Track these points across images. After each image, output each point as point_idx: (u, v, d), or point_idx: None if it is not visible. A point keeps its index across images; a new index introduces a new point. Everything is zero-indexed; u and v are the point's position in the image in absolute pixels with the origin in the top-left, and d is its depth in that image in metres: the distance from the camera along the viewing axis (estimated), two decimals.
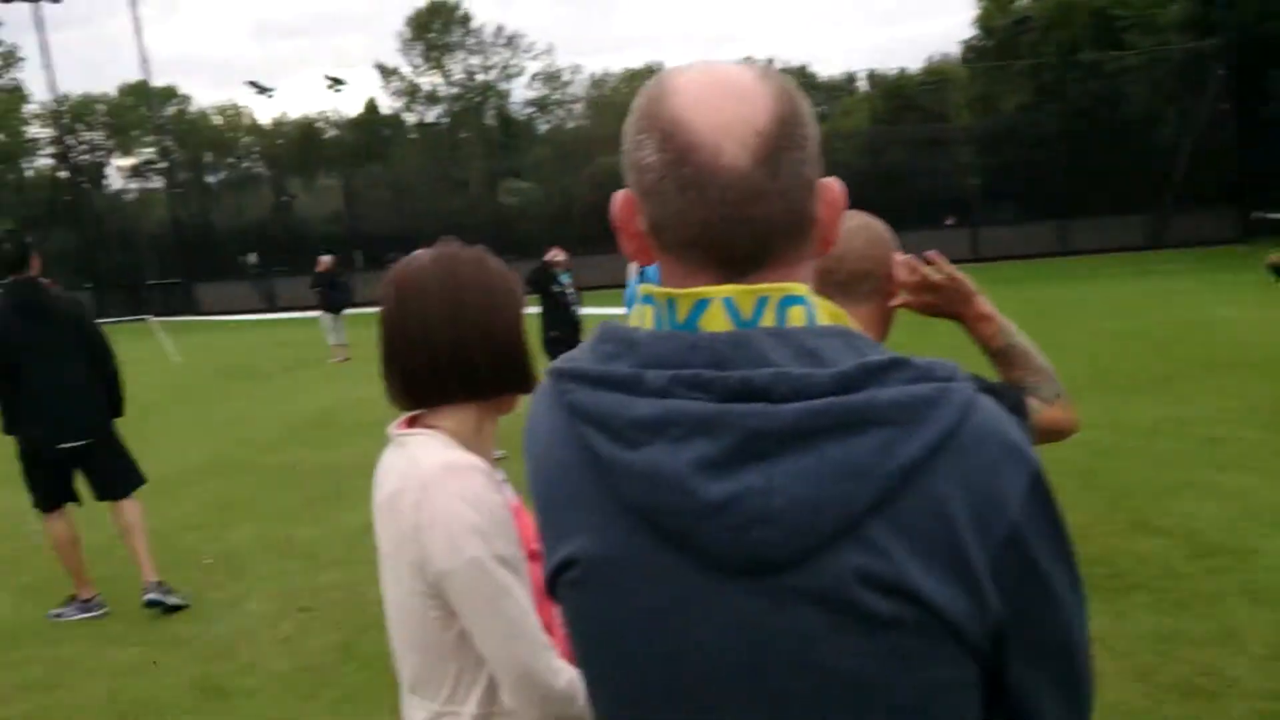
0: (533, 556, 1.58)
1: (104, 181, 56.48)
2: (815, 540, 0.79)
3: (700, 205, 0.84)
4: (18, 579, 5.93)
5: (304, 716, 4.02)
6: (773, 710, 0.83)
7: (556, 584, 0.96)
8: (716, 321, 0.86)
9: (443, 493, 1.50)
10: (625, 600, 0.88)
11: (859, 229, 1.66)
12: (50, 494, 5.25)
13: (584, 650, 0.97)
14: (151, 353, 19.38)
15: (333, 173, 49.52)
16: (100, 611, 5.32)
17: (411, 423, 1.66)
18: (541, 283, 9.74)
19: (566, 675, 1.50)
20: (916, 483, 0.78)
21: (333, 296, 17.12)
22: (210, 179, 55.50)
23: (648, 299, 0.92)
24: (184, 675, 4.48)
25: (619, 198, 0.92)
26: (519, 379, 1.64)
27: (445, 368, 1.59)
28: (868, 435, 0.78)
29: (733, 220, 0.85)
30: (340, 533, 6.36)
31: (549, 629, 1.56)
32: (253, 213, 42.73)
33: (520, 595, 1.50)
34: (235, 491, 7.82)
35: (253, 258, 36.77)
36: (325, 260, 17.61)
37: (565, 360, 0.95)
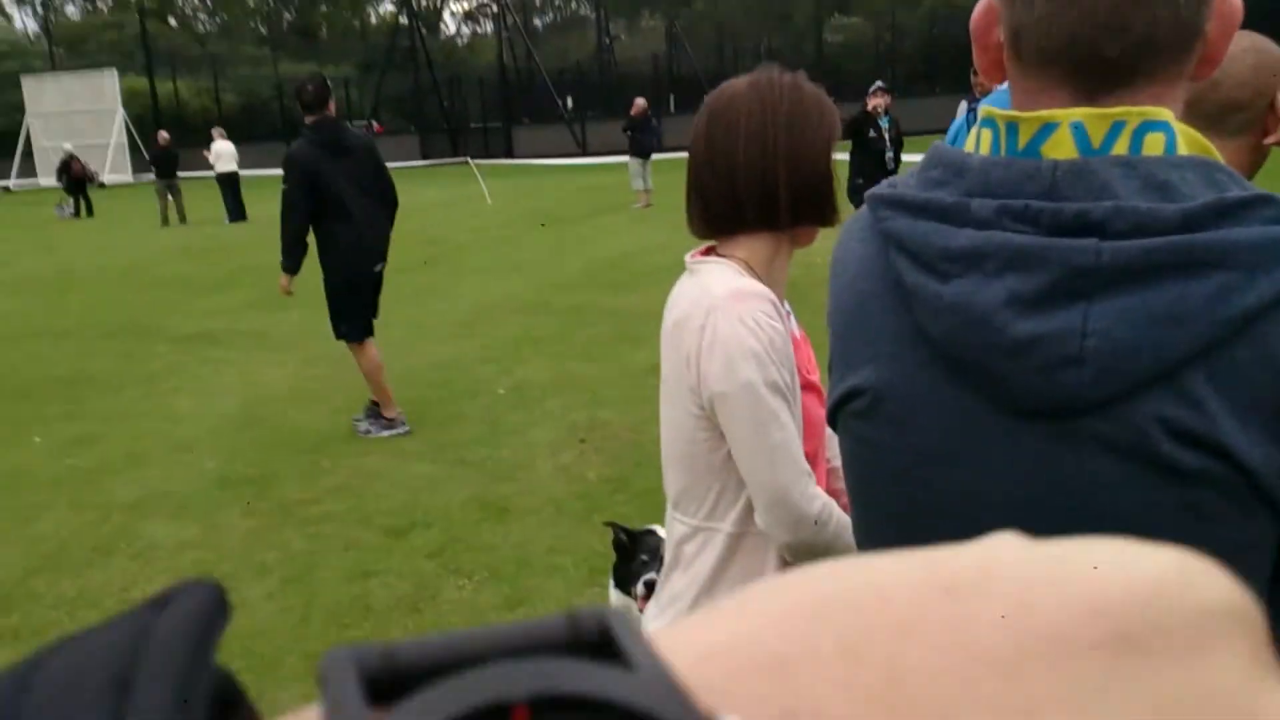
0: (807, 387, 1.63)
1: (440, 26, 59.68)
2: (1126, 387, 0.75)
3: (1071, 9, 0.76)
4: (329, 401, 6.51)
5: (575, 536, 4.24)
6: None
7: (840, 413, 0.96)
8: (1061, 148, 0.79)
9: (726, 317, 1.53)
10: (911, 433, 0.88)
11: (1246, 51, 1.41)
12: (364, 321, 5.69)
13: (861, 480, 0.96)
14: (468, 194, 20.45)
15: (656, 13, 49.68)
16: (404, 429, 5.78)
17: (708, 252, 1.68)
18: (859, 129, 9.35)
19: (820, 503, 1.54)
20: (1250, 333, 0.73)
21: (642, 140, 17.29)
22: (538, 22, 57.28)
23: (988, 122, 0.84)
24: (471, 491, 4.82)
25: (980, 5, 0.84)
26: (820, 210, 1.61)
27: (745, 194, 1.59)
28: (1206, 279, 0.73)
29: (1107, 29, 0.76)
30: (624, 372, 6.55)
31: (813, 460, 1.60)
32: (575, 56, 43.86)
33: (787, 422, 1.54)
34: (531, 329, 8.19)
35: (569, 102, 37.87)
36: (639, 103, 17.74)
37: (887, 185, 0.91)
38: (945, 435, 0.85)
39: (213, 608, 0.21)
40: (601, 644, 0.20)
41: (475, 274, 11.03)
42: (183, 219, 20.00)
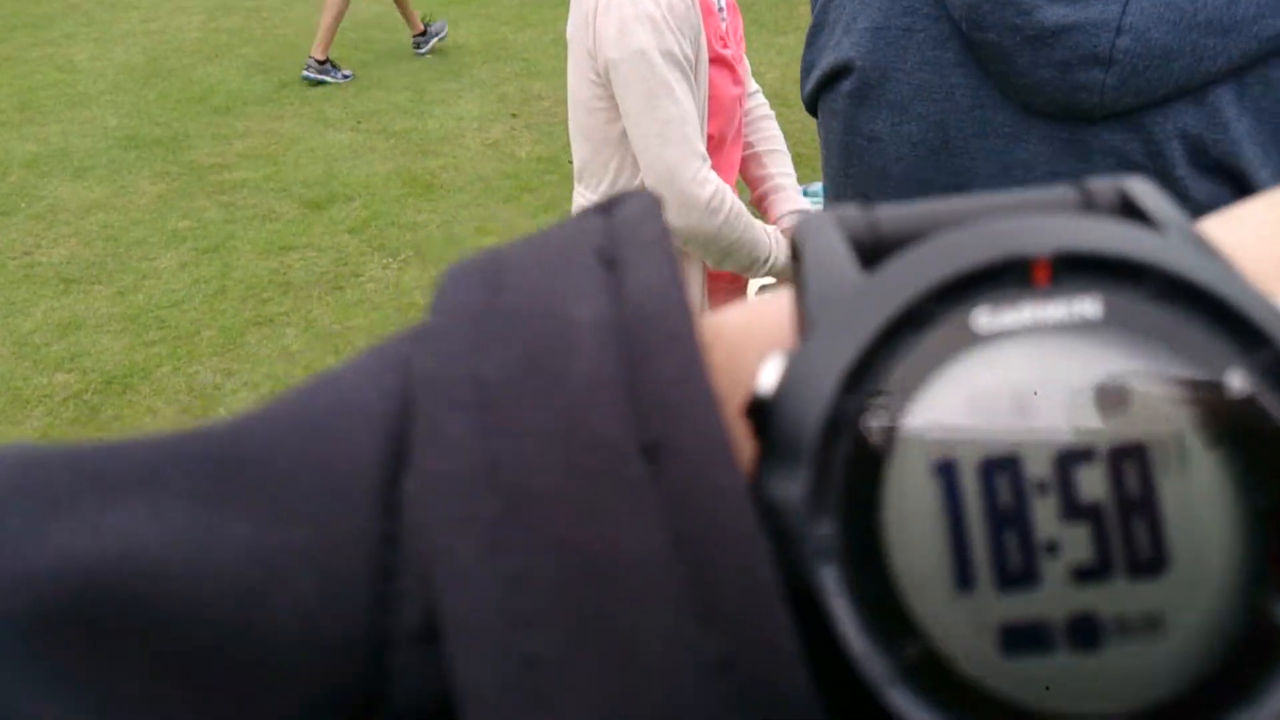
0: (717, 61, 1.53)
1: None
2: (1148, 98, 0.70)
3: None
4: (241, 55, 6.07)
5: (503, 217, 4.12)
6: None
7: (824, 95, 0.87)
8: None
9: None
10: (910, 121, 0.80)
11: None
12: None
13: (843, 171, 0.86)
14: None
15: None
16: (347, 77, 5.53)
17: None
18: None
19: (712, 187, 1.47)
20: None
21: None
22: None
23: None
24: (395, 165, 4.61)
25: None
26: None
27: None
28: None
29: None
30: (561, 40, 6.08)
31: (718, 142, 1.54)
32: None
33: (682, 97, 1.44)
34: None
35: None
36: None
37: None
38: (944, 125, 0.78)
39: (660, 207, 0.20)
40: (1122, 213, 0.18)
41: None
42: None
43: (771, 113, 1.89)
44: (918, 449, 0.16)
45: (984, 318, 0.16)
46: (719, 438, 0.16)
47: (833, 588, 0.16)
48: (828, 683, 0.15)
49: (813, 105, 0.89)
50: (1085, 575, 0.16)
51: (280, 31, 6.42)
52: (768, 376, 0.17)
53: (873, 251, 0.18)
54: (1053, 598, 0.16)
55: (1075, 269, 0.16)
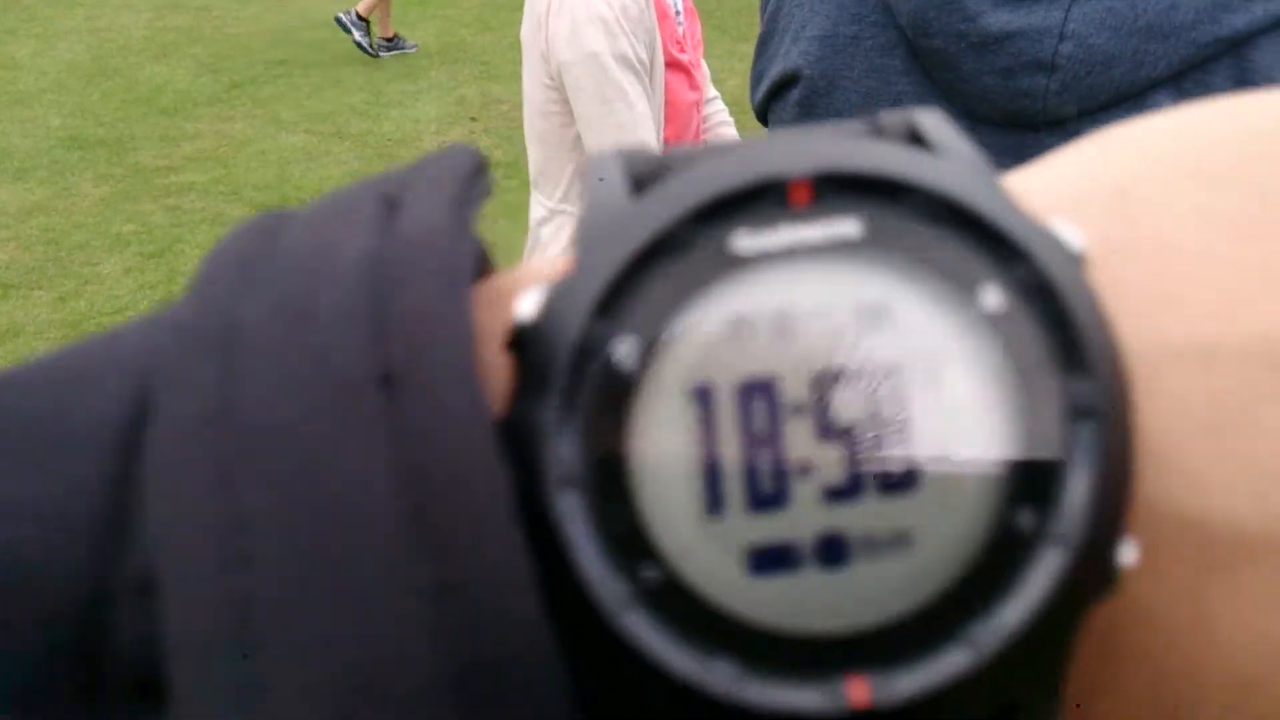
0: (673, 66, 1.53)
1: None
2: (1091, 102, 0.71)
3: None
4: (190, 55, 5.96)
5: None
6: None
7: (773, 105, 0.86)
8: None
9: None
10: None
11: None
12: None
13: None
14: None
15: None
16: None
17: None
18: None
19: None
20: (1232, 57, 0.69)
21: None
22: None
23: None
24: (350, 168, 4.53)
25: None
26: None
27: None
28: None
29: None
30: (518, 43, 6.10)
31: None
32: None
33: (636, 101, 1.44)
34: None
35: None
36: None
37: None
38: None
39: (475, 163, 0.20)
40: (909, 140, 0.18)
41: None
42: None
43: (730, 120, 1.87)
44: (672, 374, 0.16)
45: (742, 240, 0.16)
46: (460, 368, 0.16)
47: (569, 513, 0.16)
48: (569, 611, 0.15)
49: (763, 115, 0.89)
50: (836, 495, 0.16)
51: (230, 31, 6.30)
52: (526, 306, 0.17)
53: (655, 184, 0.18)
54: (802, 518, 0.16)
55: (838, 189, 0.16)
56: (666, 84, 1.50)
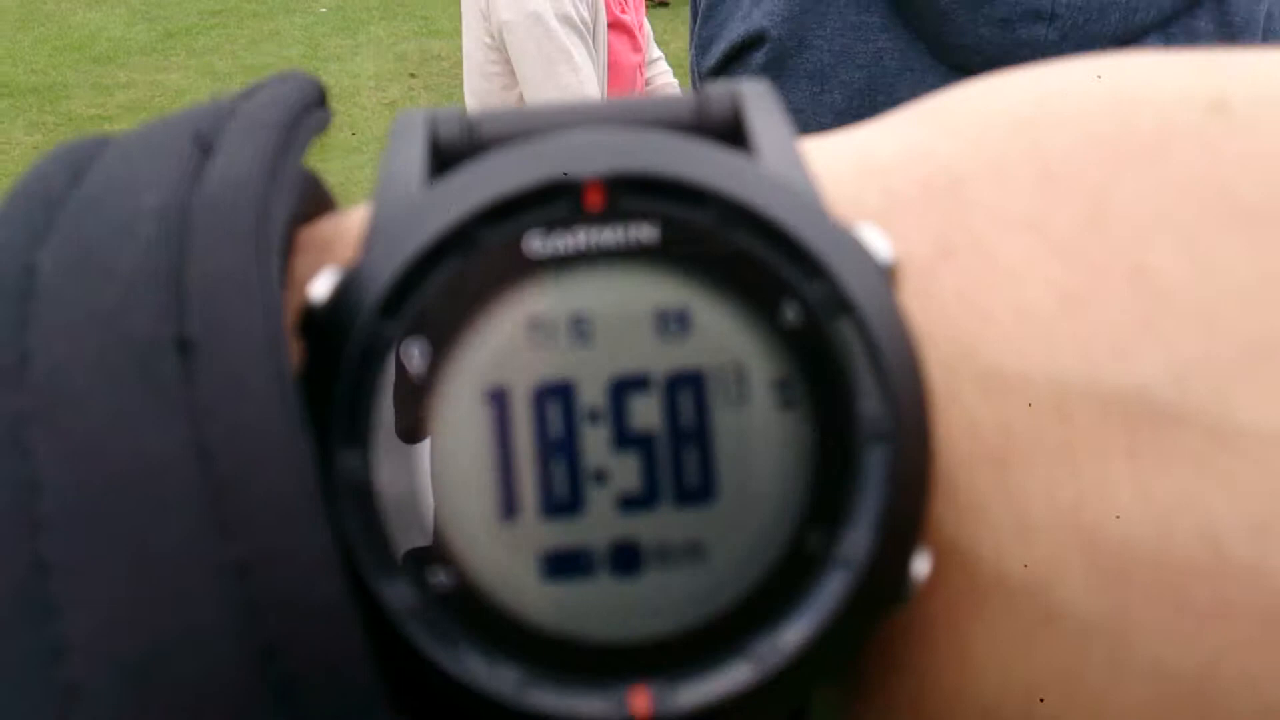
0: (616, 26, 1.51)
1: None
2: (1086, 50, 0.60)
3: None
4: (124, 1, 5.81)
5: None
6: None
7: (730, 69, 0.82)
8: None
9: None
10: (834, 89, 0.77)
11: None
12: None
13: None
14: None
15: None
16: None
17: None
18: None
19: None
20: (1215, 2, 0.69)
21: None
22: None
23: None
24: None
25: None
26: None
27: None
28: None
29: None
30: None
31: None
32: None
33: (581, 63, 1.42)
34: None
35: None
36: None
37: None
38: (874, 92, 0.76)
39: (306, 96, 0.18)
40: (734, 130, 0.18)
41: None
42: None
43: (675, 80, 1.87)
44: (465, 376, 0.16)
45: (536, 242, 0.16)
46: (261, 338, 0.15)
47: (354, 520, 0.15)
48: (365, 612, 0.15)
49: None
50: (631, 504, 0.16)
51: None
52: (318, 291, 0.16)
53: (463, 157, 0.17)
54: (596, 525, 0.16)
55: (635, 191, 0.16)
56: (610, 45, 1.49)
